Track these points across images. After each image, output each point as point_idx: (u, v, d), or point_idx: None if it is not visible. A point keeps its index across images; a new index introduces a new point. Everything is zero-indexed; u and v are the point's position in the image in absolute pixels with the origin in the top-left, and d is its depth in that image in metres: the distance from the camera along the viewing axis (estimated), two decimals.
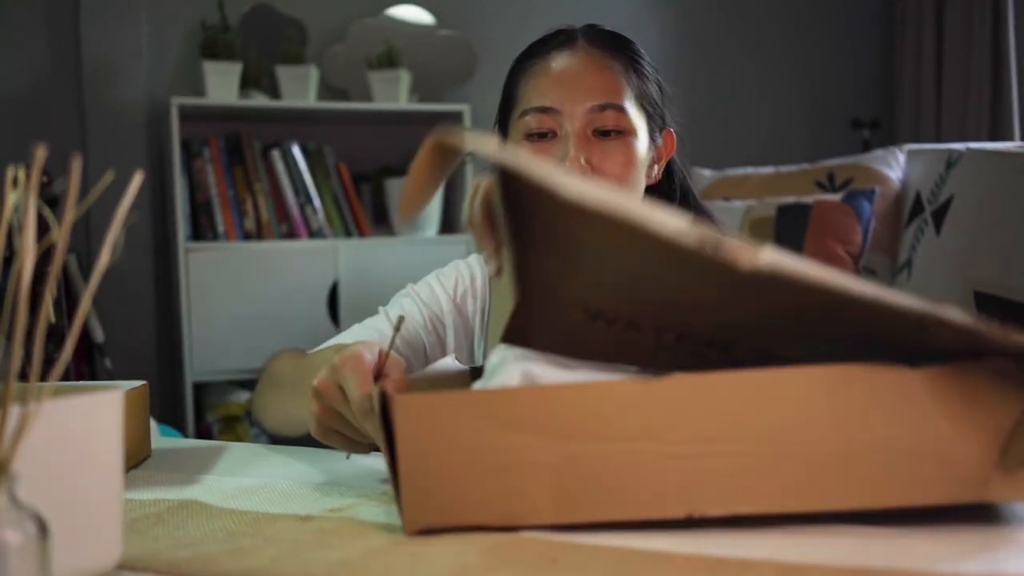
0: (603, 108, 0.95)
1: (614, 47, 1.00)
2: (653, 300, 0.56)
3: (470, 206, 0.67)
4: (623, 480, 0.52)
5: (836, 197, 2.30)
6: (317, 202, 2.71)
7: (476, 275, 1.10)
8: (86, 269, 2.52)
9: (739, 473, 0.51)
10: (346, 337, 1.06)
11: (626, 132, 0.96)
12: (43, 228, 0.40)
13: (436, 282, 1.11)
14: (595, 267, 0.57)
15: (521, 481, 0.52)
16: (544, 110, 0.96)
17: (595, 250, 0.55)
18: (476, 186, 0.67)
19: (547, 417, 0.52)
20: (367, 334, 1.04)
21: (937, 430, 0.50)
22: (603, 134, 0.95)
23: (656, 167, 1.04)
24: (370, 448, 0.71)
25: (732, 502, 0.51)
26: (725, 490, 0.51)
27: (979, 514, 0.58)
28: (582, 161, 0.93)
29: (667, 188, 1.08)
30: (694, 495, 0.51)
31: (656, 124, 1.02)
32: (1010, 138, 2.87)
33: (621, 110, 0.95)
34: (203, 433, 2.59)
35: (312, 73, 2.72)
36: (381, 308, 1.11)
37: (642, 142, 0.98)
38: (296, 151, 2.72)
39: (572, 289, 0.59)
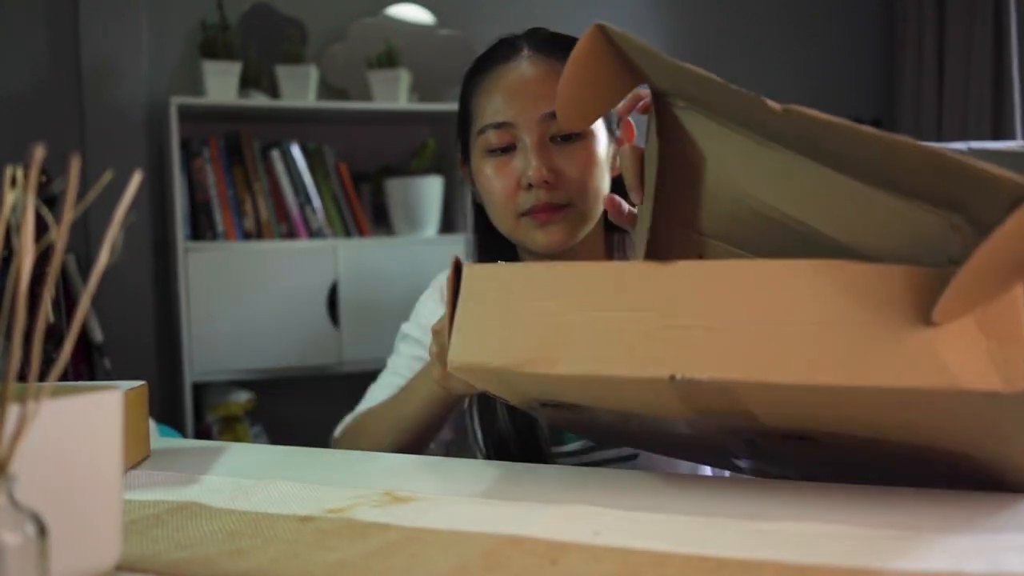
0: (555, 115, 0.94)
1: (558, 49, 1.00)
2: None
3: (625, 163, 0.78)
4: (627, 341, 0.57)
5: None
6: (317, 202, 2.71)
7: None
8: (85, 269, 2.52)
9: (723, 344, 0.55)
10: (369, 400, 1.13)
11: (582, 134, 0.98)
12: (42, 228, 0.40)
13: (424, 309, 1.13)
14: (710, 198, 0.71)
15: (547, 335, 0.60)
16: (499, 125, 0.98)
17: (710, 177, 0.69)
18: (627, 149, 0.78)
19: (577, 286, 0.60)
20: (386, 391, 1.10)
21: (910, 319, 0.51)
22: (562, 139, 0.98)
23: (619, 159, 1.05)
24: None
25: (713, 368, 0.55)
26: (708, 358, 0.55)
27: (979, 514, 0.58)
28: (544, 171, 0.96)
29: None
30: (681, 360, 0.56)
31: (613, 117, 1.03)
32: (1012, 137, 2.87)
33: None
34: (202, 433, 2.59)
35: (312, 73, 2.72)
36: (389, 360, 1.15)
37: (600, 140, 1.00)
38: (296, 151, 2.72)
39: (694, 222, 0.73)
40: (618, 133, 1.04)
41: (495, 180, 0.99)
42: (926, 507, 0.60)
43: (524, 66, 1.00)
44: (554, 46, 1.01)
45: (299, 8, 2.87)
